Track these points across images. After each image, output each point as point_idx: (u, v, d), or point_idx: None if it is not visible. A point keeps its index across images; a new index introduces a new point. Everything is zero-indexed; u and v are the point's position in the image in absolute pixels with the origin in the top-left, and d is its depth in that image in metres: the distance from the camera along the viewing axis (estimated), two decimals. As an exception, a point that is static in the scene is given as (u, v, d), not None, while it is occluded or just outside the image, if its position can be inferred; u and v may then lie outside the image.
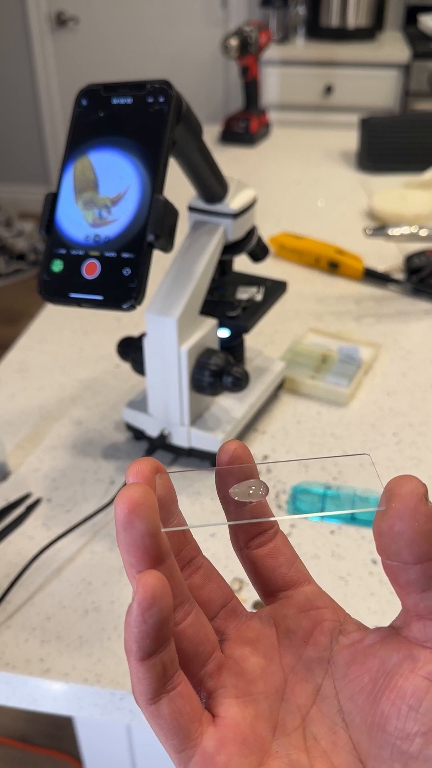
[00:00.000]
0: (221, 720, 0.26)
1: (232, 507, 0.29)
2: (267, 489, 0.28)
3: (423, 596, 0.24)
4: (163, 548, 0.24)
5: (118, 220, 0.48)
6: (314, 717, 0.27)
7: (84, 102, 0.51)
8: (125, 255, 0.48)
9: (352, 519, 0.63)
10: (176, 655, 0.25)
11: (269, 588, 0.30)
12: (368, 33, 2.63)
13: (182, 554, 0.28)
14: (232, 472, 0.28)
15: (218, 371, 0.63)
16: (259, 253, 0.73)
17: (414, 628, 0.25)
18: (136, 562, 0.24)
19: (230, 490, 0.28)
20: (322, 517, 0.63)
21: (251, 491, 0.28)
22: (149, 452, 0.68)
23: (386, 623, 0.35)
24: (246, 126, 1.63)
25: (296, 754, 0.26)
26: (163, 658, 0.24)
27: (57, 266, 0.50)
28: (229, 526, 0.30)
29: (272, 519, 0.29)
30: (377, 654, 0.26)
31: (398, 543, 0.24)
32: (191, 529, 0.29)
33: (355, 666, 0.27)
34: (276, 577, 0.29)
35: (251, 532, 0.30)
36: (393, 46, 2.56)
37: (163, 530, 0.25)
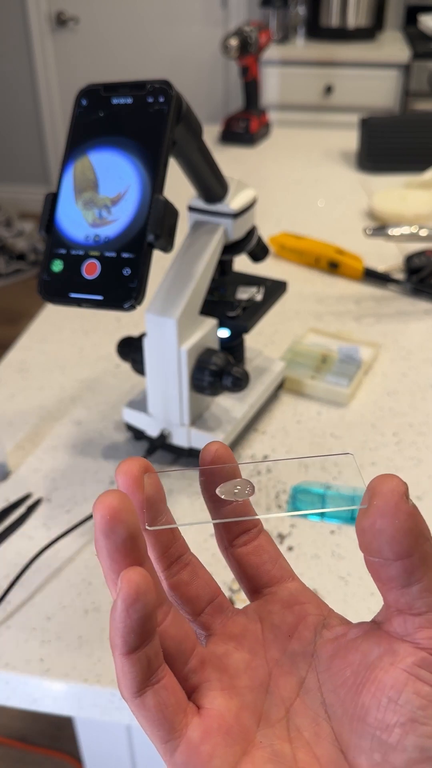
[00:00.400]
0: (206, 711, 0.26)
1: (217, 506, 0.29)
2: (253, 488, 0.29)
3: (403, 592, 0.25)
4: (143, 551, 0.25)
5: (118, 220, 0.48)
6: (298, 709, 0.27)
7: (84, 102, 0.51)
8: (125, 255, 0.48)
9: (352, 519, 0.63)
10: (160, 649, 0.25)
11: (254, 585, 0.30)
12: (368, 33, 2.62)
13: (170, 551, 0.29)
14: (216, 472, 0.29)
15: (218, 371, 0.63)
16: (259, 253, 0.73)
17: (395, 623, 0.26)
18: (117, 567, 0.24)
19: (217, 489, 0.28)
20: (320, 515, 0.63)
21: (237, 490, 0.28)
22: (149, 452, 0.68)
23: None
24: (246, 126, 1.63)
25: (279, 744, 0.26)
26: (148, 652, 0.25)
27: (57, 266, 0.50)
28: (214, 525, 0.30)
29: (259, 516, 0.30)
30: (359, 648, 0.27)
31: (379, 540, 0.25)
32: (180, 527, 0.29)
33: (337, 659, 0.27)
34: (260, 574, 0.30)
35: (235, 530, 0.30)
36: (393, 46, 2.56)
37: (150, 528, 0.26)
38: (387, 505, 0.24)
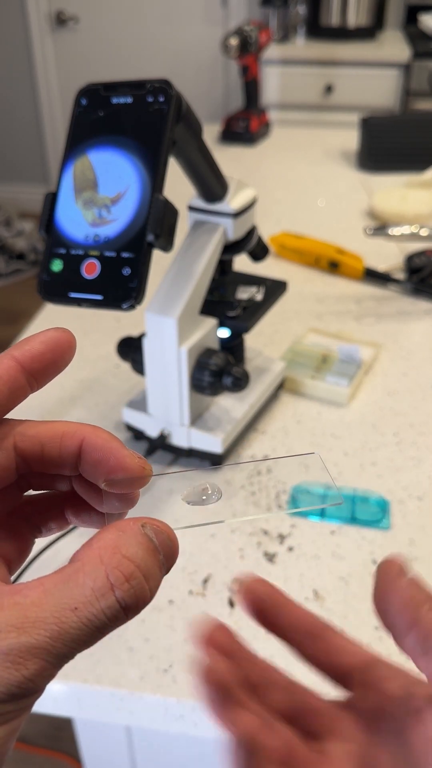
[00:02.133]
0: None
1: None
2: (221, 493, 0.27)
3: (428, 659, 0.25)
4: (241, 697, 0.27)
5: (118, 219, 0.48)
6: None
7: (84, 101, 0.51)
8: (125, 255, 0.48)
9: (352, 519, 0.63)
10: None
11: (336, 676, 0.30)
12: (368, 32, 2.62)
13: (252, 679, 0.29)
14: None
15: (218, 371, 0.63)
16: (259, 252, 0.73)
17: None
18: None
19: (182, 496, 0.28)
20: (320, 515, 0.63)
21: (206, 496, 0.27)
22: (149, 452, 0.68)
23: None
24: (246, 125, 1.63)
25: None
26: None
27: (56, 266, 0.50)
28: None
29: (246, 518, 0.29)
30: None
31: (389, 617, 0.26)
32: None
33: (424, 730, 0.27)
34: (341, 664, 0.30)
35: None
36: (393, 46, 2.56)
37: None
38: (385, 584, 0.26)
